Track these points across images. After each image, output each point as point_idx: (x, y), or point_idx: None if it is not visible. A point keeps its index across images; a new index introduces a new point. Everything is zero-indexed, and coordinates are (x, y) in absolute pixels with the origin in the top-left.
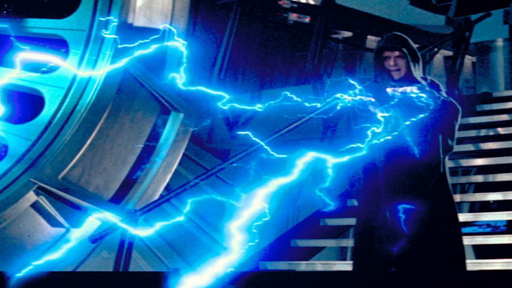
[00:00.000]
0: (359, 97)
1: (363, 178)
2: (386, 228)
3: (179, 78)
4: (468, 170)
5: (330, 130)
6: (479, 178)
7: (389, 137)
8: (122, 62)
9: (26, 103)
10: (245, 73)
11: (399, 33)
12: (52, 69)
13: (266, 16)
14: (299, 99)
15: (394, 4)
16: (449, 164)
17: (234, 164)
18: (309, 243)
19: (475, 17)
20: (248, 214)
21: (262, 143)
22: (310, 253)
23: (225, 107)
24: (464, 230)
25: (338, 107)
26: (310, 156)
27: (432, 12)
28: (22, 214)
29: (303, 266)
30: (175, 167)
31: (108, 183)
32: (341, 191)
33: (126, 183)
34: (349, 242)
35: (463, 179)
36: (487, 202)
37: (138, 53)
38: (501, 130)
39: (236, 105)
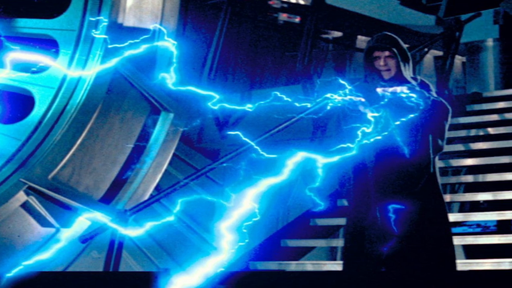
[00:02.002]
0: (349, 97)
1: (353, 178)
2: (376, 228)
3: (169, 78)
4: (458, 170)
5: (320, 130)
6: (469, 178)
7: (379, 137)
8: (112, 62)
9: (16, 103)
10: (235, 73)
11: (389, 33)
12: (42, 69)
13: (256, 16)
14: (289, 99)
15: (384, 4)
16: (439, 164)
17: (224, 164)
18: (299, 243)
19: (465, 17)
20: (238, 214)
21: (252, 143)
22: (300, 253)
23: (215, 107)
24: (454, 230)
25: (328, 107)
26: (300, 156)
27: (422, 12)
28: (12, 214)
29: (293, 266)
30: (165, 167)
31: (98, 183)
32: (331, 191)
33: (116, 183)
34: (339, 242)
35: (453, 179)
36: (477, 202)
37: (128, 53)
38: (491, 130)
39: (226, 105)
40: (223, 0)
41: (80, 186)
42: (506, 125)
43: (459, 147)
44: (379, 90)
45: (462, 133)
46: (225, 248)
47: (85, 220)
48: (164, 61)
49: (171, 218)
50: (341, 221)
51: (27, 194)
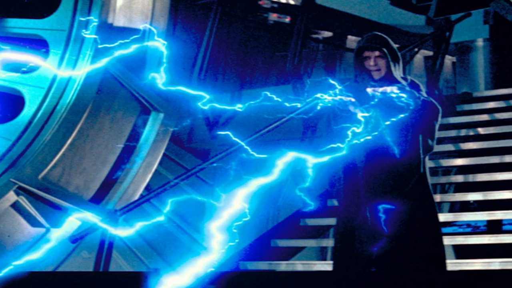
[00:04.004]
0: (339, 97)
1: (343, 178)
2: (366, 228)
3: (159, 78)
4: (448, 170)
5: (310, 130)
6: (459, 178)
7: (369, 137)
8: (102, 62)
9: (6, 103)
10: (225, 73)
11: (379, 33)
12: (32, 69)
13: (246, 16)
14: (279, 99)
15: (374, 4)
16: (429, 164)
17: (214, 164)
18: (289, 243)
19: (455, 17)
20: (228, 214)
21: (242, 143)
22: (290, 253)
23: (205, 107)
24: (444, 230)
25: (318, 107)
26: (290, 156)
27: (412, 12)
28: (2, 214)
29: (283, 266)
30: (155, 167)
31: (88, 183)
32: (321, 191)
33: (106, 183)
34: (329, 242)
35: (443, 179)
36: (467, 202)
37: (118, 53)
38: (481, 130)
39: (216, 105)
40: (213, 0)
41: (70, 186)
42: (496, 125)
43: (449, 147)
44: (369, 90)
45: (452, 133)
46: (215, 248)
47: (75, 220)
48: (154, 61)
49: (161, 218)
50: (331, 221)
51: (17, 194)
